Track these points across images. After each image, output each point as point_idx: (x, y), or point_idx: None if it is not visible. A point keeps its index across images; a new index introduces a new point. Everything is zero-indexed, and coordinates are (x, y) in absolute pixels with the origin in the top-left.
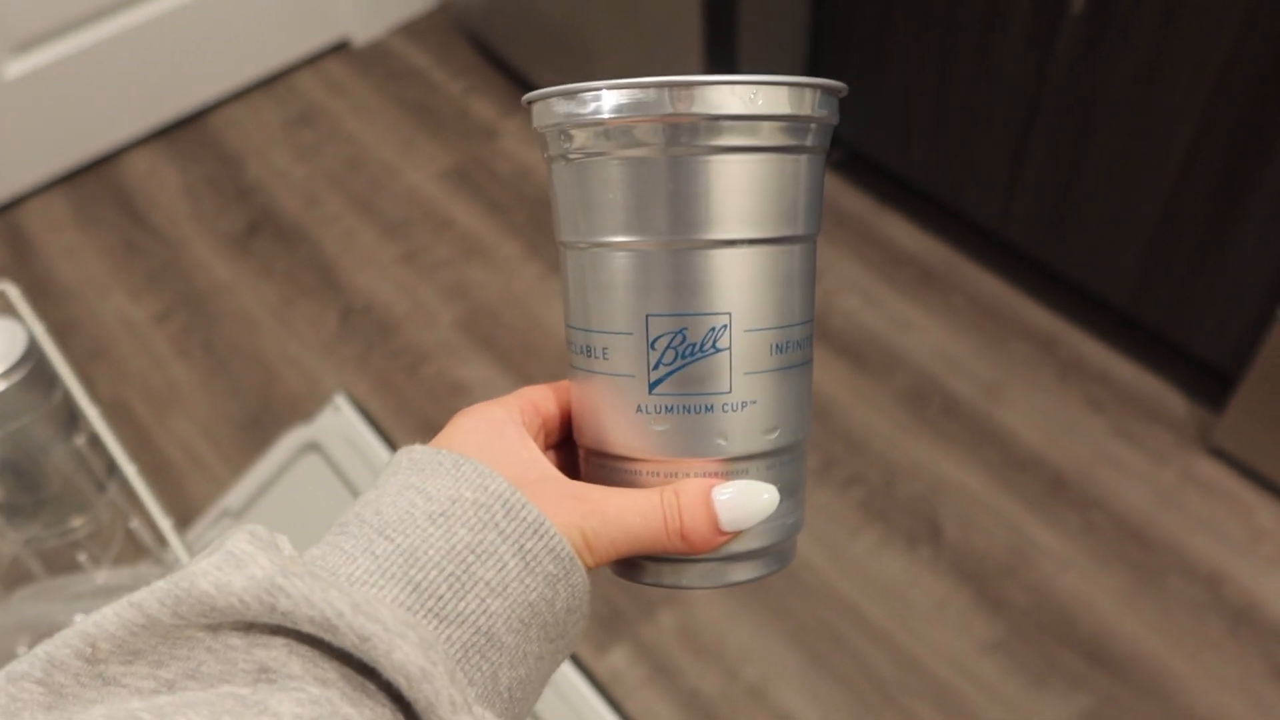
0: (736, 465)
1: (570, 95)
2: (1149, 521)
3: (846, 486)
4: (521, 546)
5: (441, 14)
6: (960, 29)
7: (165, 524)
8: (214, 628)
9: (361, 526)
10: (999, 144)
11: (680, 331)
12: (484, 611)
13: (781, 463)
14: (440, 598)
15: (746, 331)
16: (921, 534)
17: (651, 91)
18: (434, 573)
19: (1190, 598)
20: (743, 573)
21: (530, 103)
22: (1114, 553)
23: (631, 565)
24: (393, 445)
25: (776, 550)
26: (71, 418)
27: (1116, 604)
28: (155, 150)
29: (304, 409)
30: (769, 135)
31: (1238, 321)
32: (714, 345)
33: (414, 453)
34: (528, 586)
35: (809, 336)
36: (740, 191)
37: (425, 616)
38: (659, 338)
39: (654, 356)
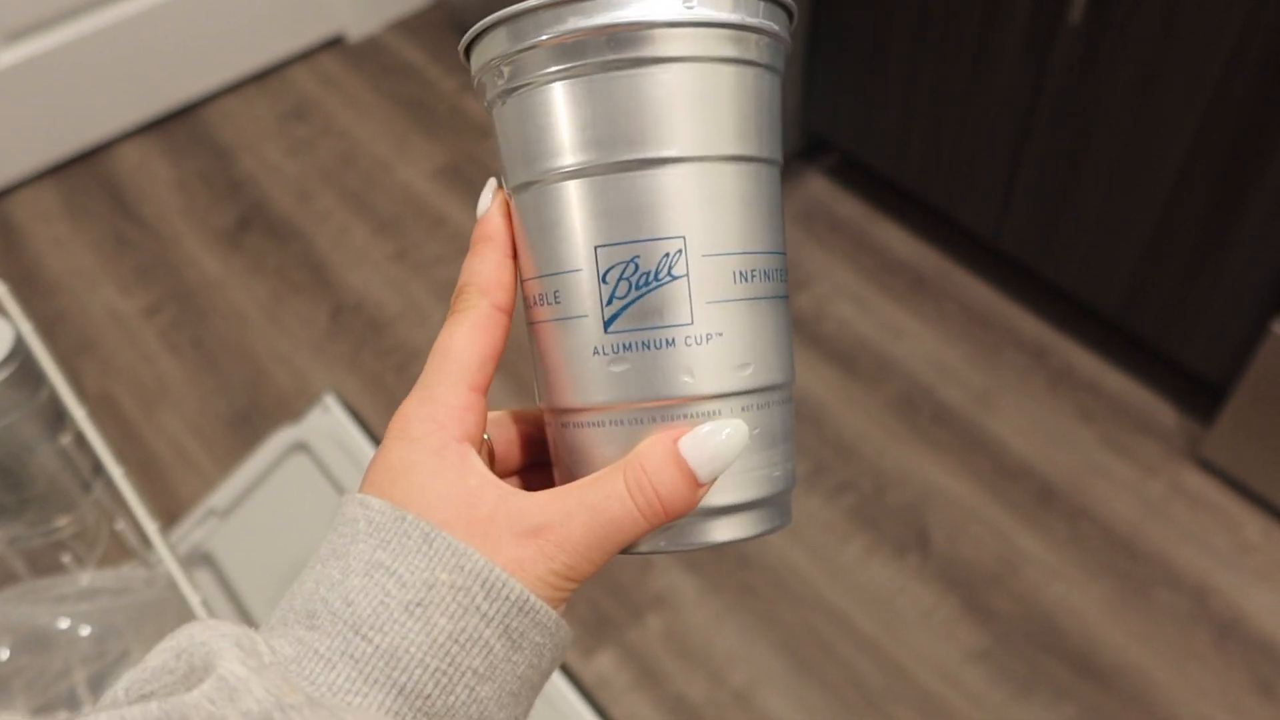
0: (707, 406)
1: (501, 23)
2: (1137, 532)
3: (836, 493)
4: (506, 627)
5: (437, 10)
6: (957, 36)
7: (151, 527)
8: None
9: (334, 621)
10: (994, 152)
11: (632, 260)
12: (474, 700)
13: (759, 404)
14: (427, 696)
15: (704, 256)
16: (910, 542)
17: (578, 4)
18: (418, 671)
19: (1177, 609)
20: (731, 530)
21: (467, 46)
22: (1102, 563)
23: None
24: None
25: (764, 506)
26: (57, 416)
27: (1103, 614)
28: (147, 142)
29: (293, 407)
30: (709, 44)
31: (1230, 334)
32: (669, 272)
33: (370, 510)
34: (515, 663)
35: (780, 269)
36: (682, 104)
37: (414, 718)
38: (610, 269)
39: (606, 291)
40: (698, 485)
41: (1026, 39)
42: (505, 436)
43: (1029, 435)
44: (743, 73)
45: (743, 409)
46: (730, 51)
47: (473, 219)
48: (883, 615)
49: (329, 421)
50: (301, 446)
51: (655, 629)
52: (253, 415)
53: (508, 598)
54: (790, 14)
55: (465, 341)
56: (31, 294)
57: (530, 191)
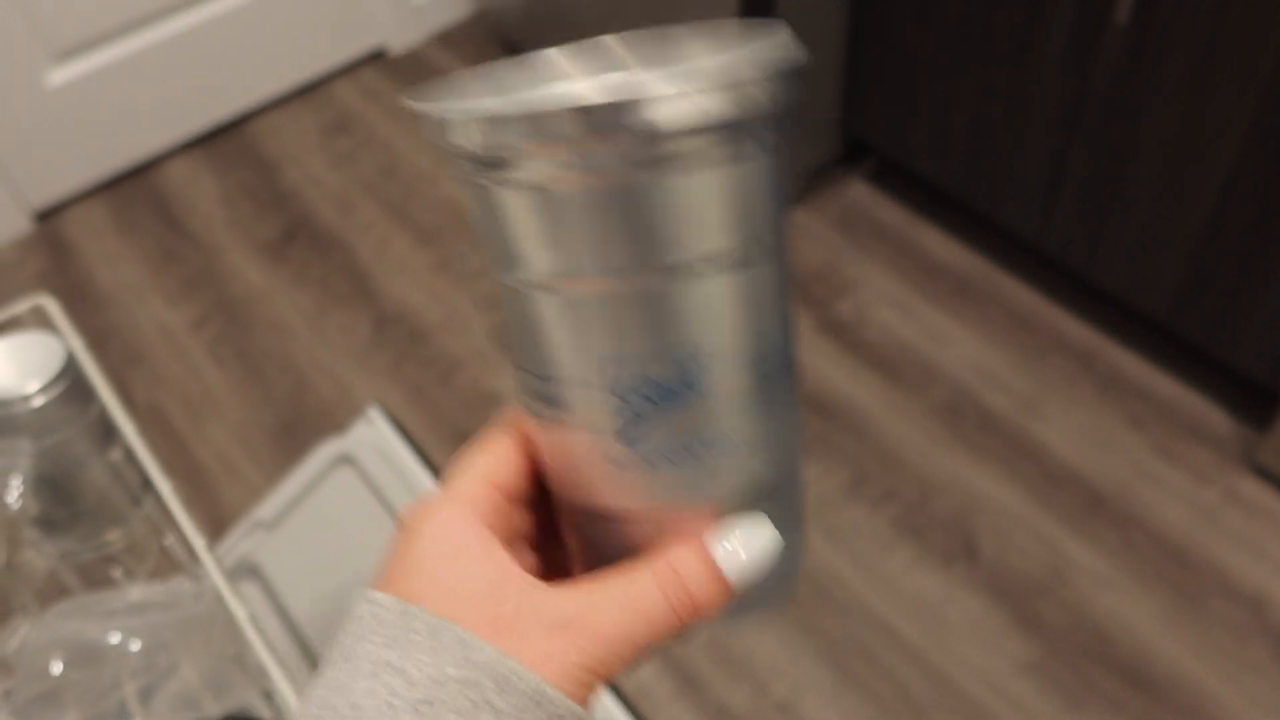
0: (729, 507)
1: (490, 115)
2: (1190, 541)
3: (880, 502)
4: None
5: (477, 23)
6: (1000, 38)
7: (199, 543)
8: None
9: None
10: (1038, 155)
11: (643, 371)
12: None
13: (778, 498)
14: None
15: (720, 363)
16: (957, 551)
17: (566, 112)
18: None
19: (1232, 620)
20: (744, 615)
21: (439, 118)
22: (1154, 572)
23: None
24: (425, 458)
25: (787, 584)
26: (108, 431)
27: (1156, 625)
28: (194, 157)
29: (337, 417)
30: (714, 144)
31: None
32: (684, 383)
33: (378, 608)
34: None
35: (792, 360)
36: (695, 210)
37: None
38: (623, 380)
39: (620, 402)
40: (731, 587)
41: (1071, 39)
42: (506, 477)
43: (1077, 442)
44: (752, 166)
45: (766, 508)
46: (737, 147)
47: None
48: (929, 625)
49: (373, 434)
50: (346, 459)
51: (697, 638)
52: (297, 426)
53: (522, 691)
54: (797, 73)
55: (491, 448)
56: (82, 308)
57: (529, 290)
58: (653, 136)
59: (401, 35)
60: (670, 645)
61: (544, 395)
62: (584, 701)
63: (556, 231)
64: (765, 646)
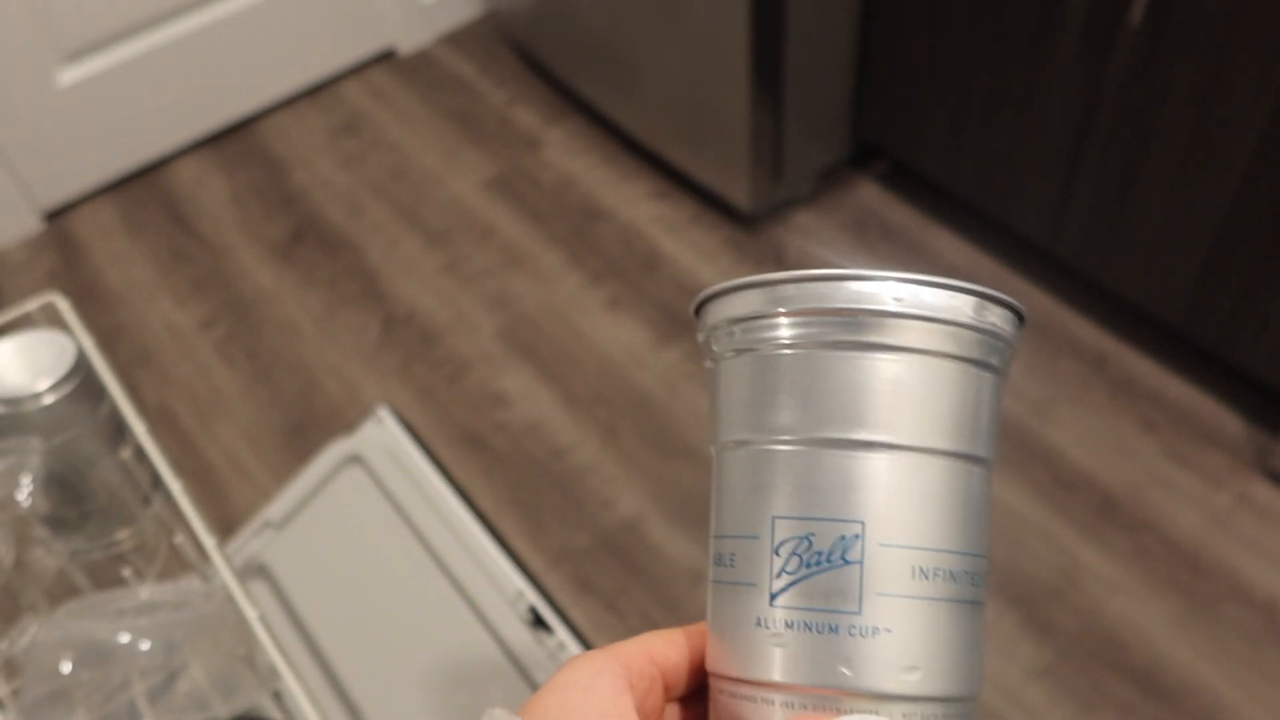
0: (864, 704)
1: (745, 289)
2: (1203, 546)
3: None
4: None
5: (486, 23)
6: (1012, 40)
7: (209, 542)
8: None
9: None
10: (1050, 158)
11: (806, 536)
12: None
13: (927, 715)
14: None
15: (883, 546)
16: None
17: (820, 284)
18: None
19: (1245, 626)
20: None
21: (700, 305)
22: (1166, 578)
23: None
24: (434, 458)
25: None
26: (118, 430)
27: (1168, 631)
28: (203, 158)
29: (345, 418)
30: (936, 339)
31: None
32: (843, 556)
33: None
34: None
35: (975, 572)
36: (895, 393)
37: None
38: (785, 542)
39: (778, 563)
40: None
41: (1084, 41)
42: (666, 657)
43: (1089, 446)
44: (965, 371)
45: (903, 716)
46: (954, 349)
47: (521, 229)
48: None
49: (382, 434)
50: (355, 459)
51: None
52: (306, 426)
53: None
54: (1021, 319)
55: (666, 632)
56: (91, 308)
57: (733, 452)
58: (896, 321)
59: (410, 35)
60: None
61: (719, 555)
62: None
63: (793, 392)
64: None
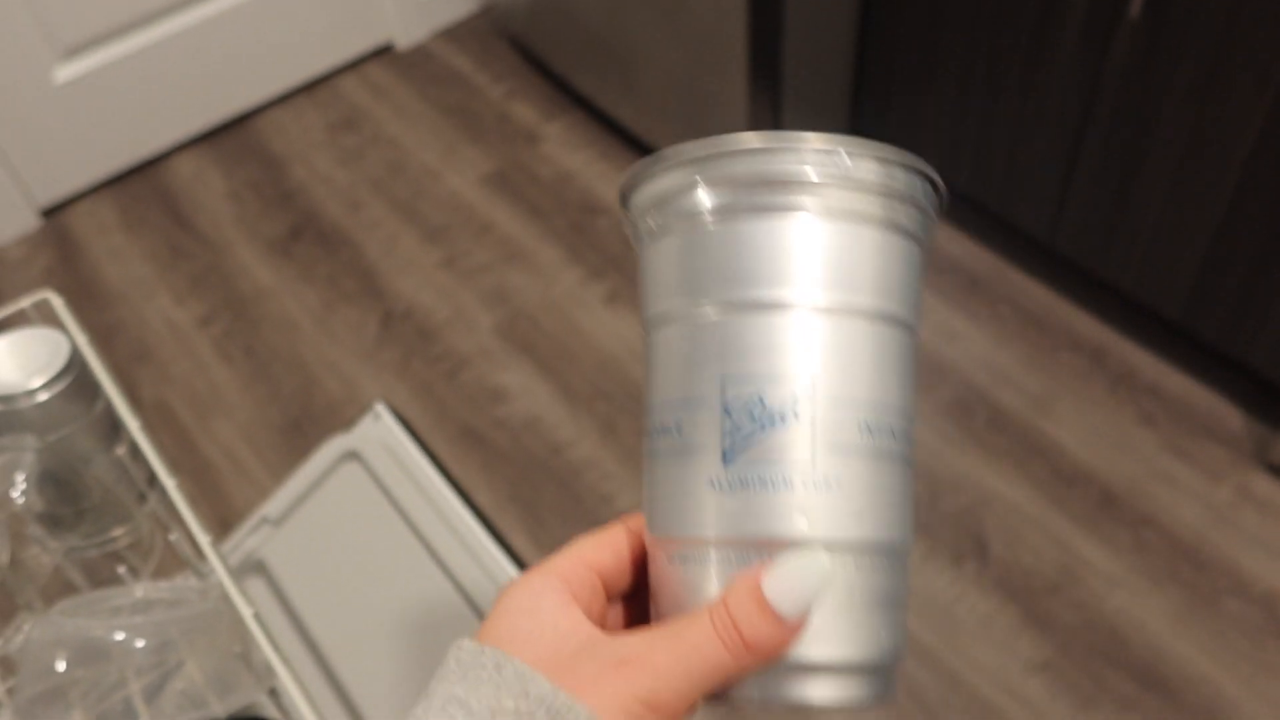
0: (817, 551)
1: (671, 163)
2: (1203, 540)
3: None
4: None
5: (483, 17)
6: (1011, 34)
7: (204, 540)
8: None
9: None
10: (1050, 151)
11: (758, 395)
12: None
13: (872, 562)
14: None
15: (831, 400)
16: (967, 550)
17: (743, 154)
18: None
19: (1246, 620)
20: (832, 690)
21: (634, 178)
22: (1166, 572)
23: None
24: (432, 455)
25: (872, 670)
26: (113, 428)
27: (1168, 625)
28: (200, 154)
29: (344, 414)
30: (863, 204)
31: None
32: (795, 412)
33: (461, 651)
34: None
35: (908, 432)
36: (830, 256)
37: None
38: (735, 401)
39: (729, 423)
40: (782, 623)
41: (1083, 35)
42: (600, 560)
43: (1088, 440)
44: (891, 237)
45: (855, 563)
46: (882, 214)
47: (519, 224)
48: (940, 624)
49: (380, 430)
50: (353, 455)
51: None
52: (304, 423)
53: None
54: (940, 195)
55: (594, 534)
56: (89, 304)
57: (671, 326)
58: (825, 187)
59: (408, 30)
60: (737, 692)
61: (664, 425)
62: None
63: (729, 259)
64: None
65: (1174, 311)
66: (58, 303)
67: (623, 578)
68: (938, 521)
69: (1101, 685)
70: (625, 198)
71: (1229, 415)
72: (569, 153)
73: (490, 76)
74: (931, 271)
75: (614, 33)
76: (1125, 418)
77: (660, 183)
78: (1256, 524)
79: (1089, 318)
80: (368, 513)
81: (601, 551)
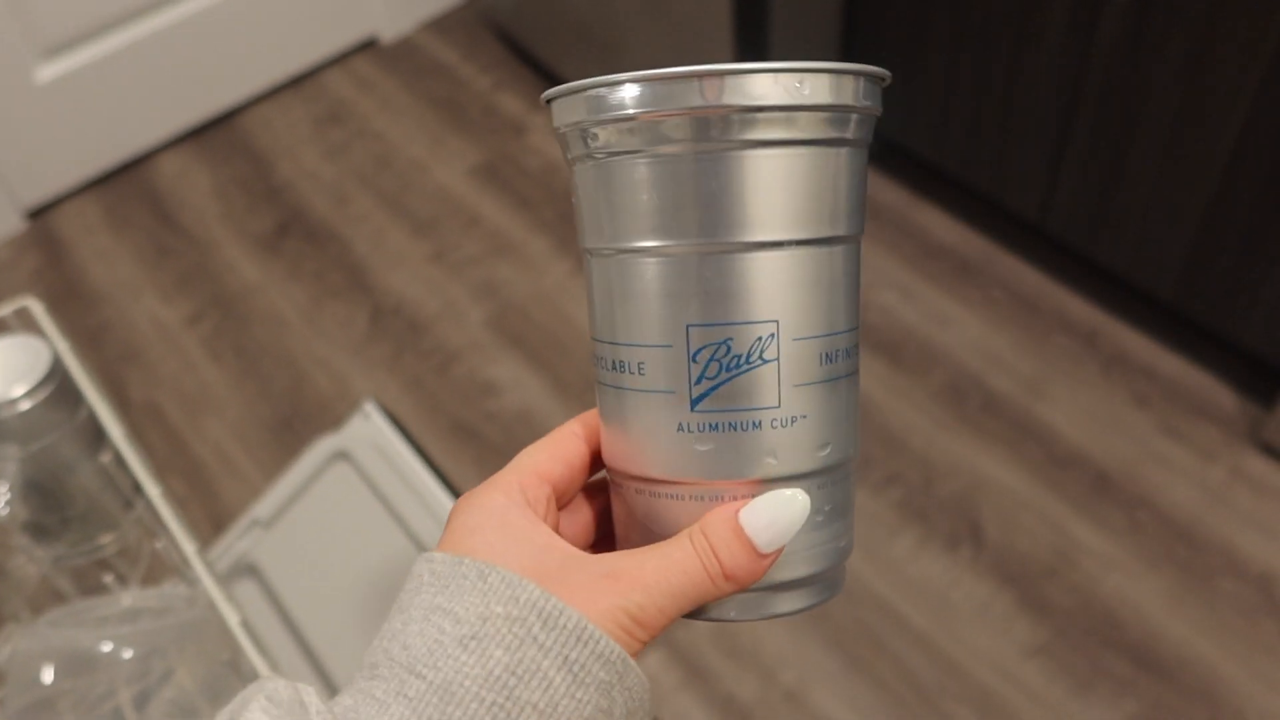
0: (785, 485)
1: (592, 91)
2: (1197, 521)
3: (884, 486)
4: (566, 658)
5: (469, 9)
6: (1000, 14)
7: (189, 548)
8: None
9: (391, 666)
10: (1040, 134)
11: (725, 342)
12: None
13: (833, 481)
14: None
15: (795, 340)
16: (962, 534)
17: (679, 83)
18: (474, 705)
19: (1241, 599)
20: (794, 601)
21: (549, 101)
22: (1161, 553)
23: None
24: (422, 453)
25: (828, 577)
26: (97, 435)
27: (1164, 606)
28: (185, 151)
29: (335, 411)
30: (809, 127)
31: None
32: (761, 356)
33: (434, 563)
34: (580, 701)
35: (856, 345)
36: (782, 188)
37: None
38: (701, 349)
39: (696, 370)
40: (760, 555)
41: (1071, 15)
42: (551, 471)
43: (1082, 422)
44: (840, 154)
45: (819, 487)
46: (830, 133)
47: (507, 216)
48: (936, 610)
49: (369, 429)
50: (342, 455)
51: (703, 627)
52: (295, 420)
53: (565, 626)
54: (883, 81)
55: (544, 444)
56: (76, 305)
57: (613, 259)
58: (757, 111)
59: (393, 23)
60: (714, 614)
61: (619, 362)
62: (625, 648)
63: (668, 198)
64: (772, 635)
65: (1166, 292)
66: (38, 309)
67: (573, 487)
68: (933, 507)
69: (1098, 667)
70: (560, 112)
71: (1222, 395)
72: (556, 144)
73: (477, 68)
74: (923, 256)
75: (600, 21)
76: (1118, 399)
77: (596, 104)
78: (1251, 503)
79: (1081, 300)
80: (358, 512)
81: (554, 463)
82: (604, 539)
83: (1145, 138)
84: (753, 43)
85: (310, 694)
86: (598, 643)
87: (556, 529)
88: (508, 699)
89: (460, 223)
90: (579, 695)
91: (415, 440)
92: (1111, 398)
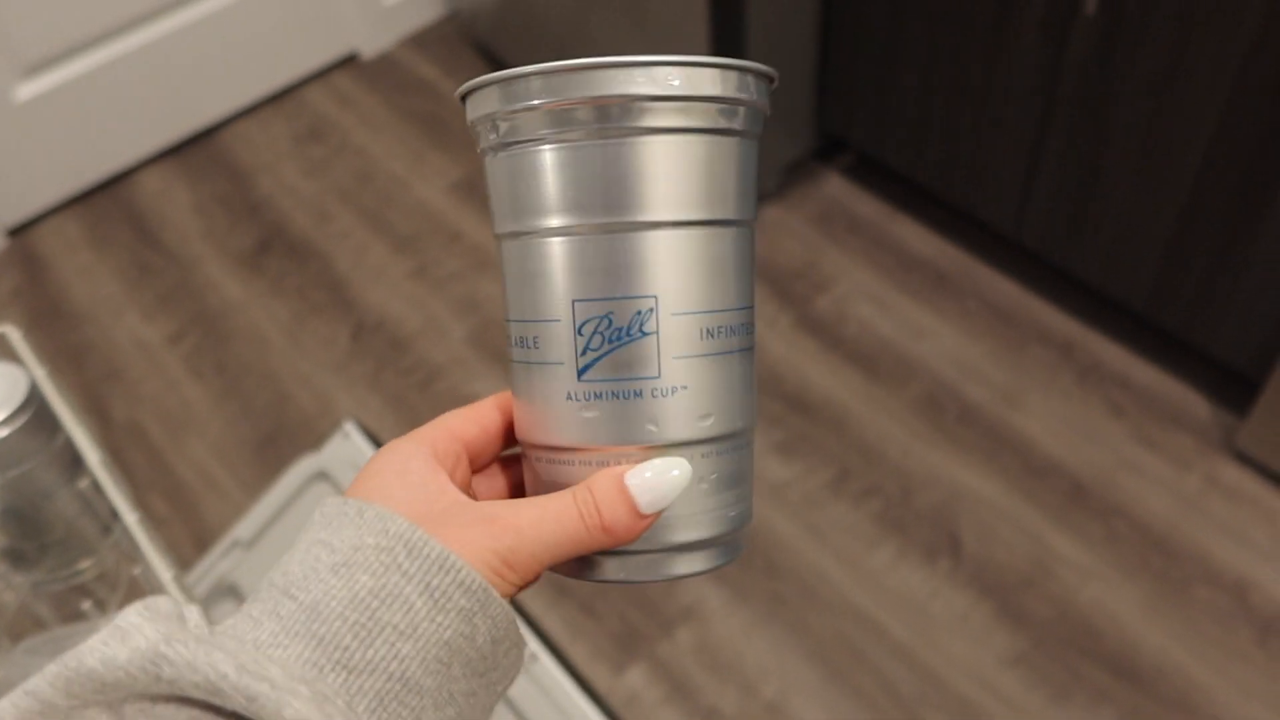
0: (669, 453)
1: (498, 83)
2: (1173, 529)
3: (863, 498)
4: (428, 585)
5: (448, 24)
6: (972, 31)
7: (167, 575)
8: (113, 704)
9: (270, 590)
10: (1013, 147)
11: (607, 316)
12: (395, 656)
13: (719, 451)
14: (346, 648)
15: (674, 315)
16: (940, 546)
17: (577, 74)
18: (338, 624)
19: (1216, 607)
20: (687, 564)
21: (463, 96)
22: (1137, 562)
23: (579, 562)
24: None
25: (723, 542)
26: (75, 461)
27: (1141, 615)
28: (166, 169)
29: (317, 428)
30: (695, 117)
31: (1260, 323)
32: (640, 329)
33: (325, 505)
34: (440, 625)
35: (748, 323)
36: (667, 173)
37: (333, 670)
38: (586, 322)
39: (581, 342)
40: (639, 515)
41: (1042, 31)
42: (466, 432)
43: (1058, 432)
44: (723, 142)
45: (702, 455)
46: (712, 123)
47: (488, 231)
48: (915, 621)
49: (349, 448)
50: (322, 475)
51: (685, 642)
52: (277, 438)
53: (428, 556)
54: (771, 81)
55: (463, 409)
56: (57, 324)
57: (517, 242)
58: (646, 99)
59: (373, 39)
60: (600, 574)
61: (521, 338)
62: (496, 589)
63: (565, 183)
64: (753, 647)
65: (1139, 302)
66: (15, 336)
67: (488, 450)
68: (911, 518)
69: (1076, 677)
70: (472, 106)
71: (1195, 404)
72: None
73: (456, 83)
74: (899, 268)
75: (578, 35)
76: (1094, 409)
77: (498, 97)
78: (1225, 512)
79: (1056, 311)
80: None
81: (469, 425)
82: None
83: (1116, 150)
84: (729, 55)
85: (192, 611)
86: (459, 571)
87: (468, 486)
88: (370, 619)
89: (442, 238)
90: (439, 620)
91: None
92: (1087, 407)
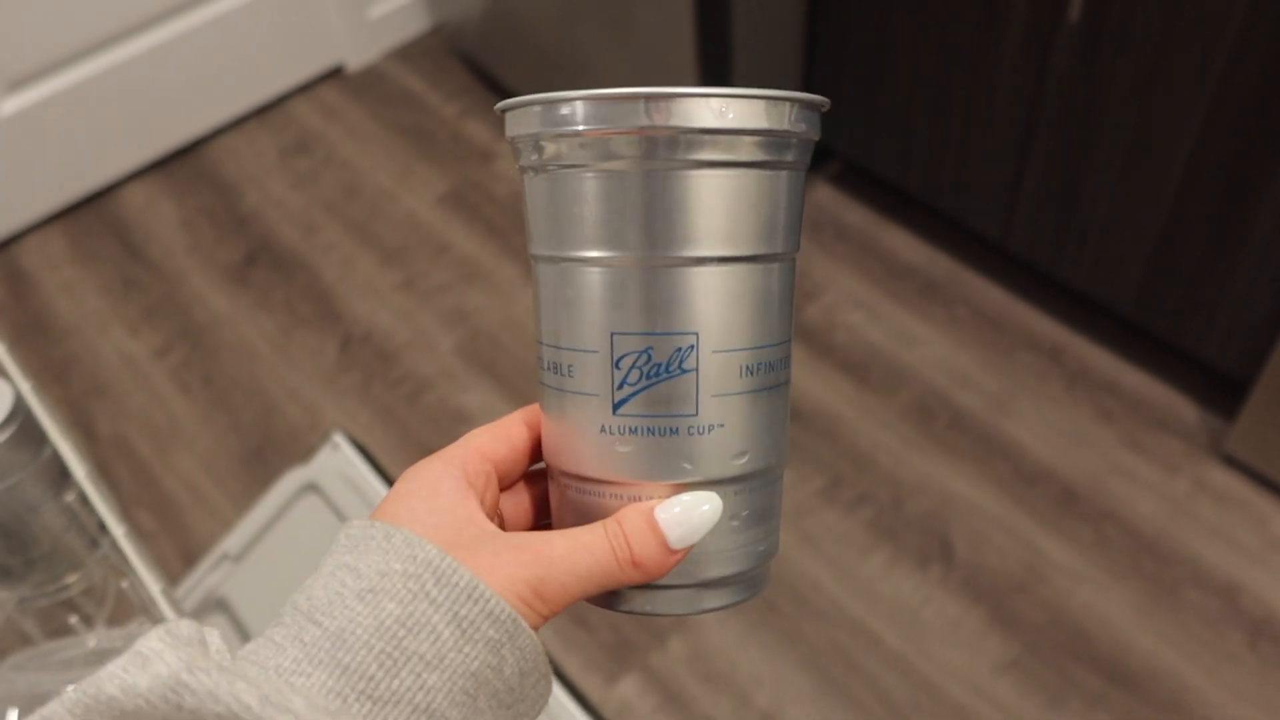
0: (701, 490)
1: (545, 105)
2: (1163, 533)
3: (855, 506)
4: (455, 614)
5: (435, 36)
6: (957, 39)
7: (155, 588)
8: None
9: (294, 614)
10: (1000, 154)
11: (645, 351)
12: (421, 688)
13: (751, 488)
14: (371, 678)
15: (715, 353)
16: (932, 552)
17: (627, 103)
18: (363, 652)
19: (1207, 610)
20: (715, 599)
21: (504, 111)
22: (1128, 566)
23: (606, 594)
24: (392, 483)
25: (750, 577)
26: (61, 474)
27: (1132, 619)
28: (151, 182)
29: (306, 441)
30: (746, 150)
31: (1247, 326)
32: (680, 366)
33: (351, 528)
34: (467, 655)
35: (785, 358)
36: (714, 208)
37: (357, 700)
38: (624, 356)
39: (618, 376)
40: (669, 550)
41: (1026, 38)
42: (496, 451)
43: (1048, 438)
44: (777, 177)
45: (735, 493)
46: (766, 156)
47: (477, 243)
48: (908, 628)
49: (338, 460)
50: (312, 487)
51: (678, 652)
52: (265, 451)
53: (457, 584)
54: (821, 109)
55: (490, 426)
56: (42, 339)
57: (555, 266)
58: (698, 132)
59: (358, 51)
60: (628, 606)
61: (555, 364)
62: (524, 618)
63: (609, 213)
64: (746, 656)
65: (1125, 308)
66: (0, 350)
67: (516, 469)
68: (902, 525)
69: (1069, 682)
70: (513, 123)
71: (1183, 408)
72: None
73: (443, 95)
74: (888, 276)
75: (564, 48)
76: (1083, 414)
77: (542, 119)
78: (1214, 515)
79: (1045, 317)
80: (328, 544)
81: (498, 445)
82: (543, 526)
83: (1101, 157)
84: (715, 70)
85: (214, 635)
86: (488, 601)
87: (496, 506)
88: (396, 648)
89: (429, 250)
90: (466, 650)
91: (385, 471)
92: (1076, 413)
